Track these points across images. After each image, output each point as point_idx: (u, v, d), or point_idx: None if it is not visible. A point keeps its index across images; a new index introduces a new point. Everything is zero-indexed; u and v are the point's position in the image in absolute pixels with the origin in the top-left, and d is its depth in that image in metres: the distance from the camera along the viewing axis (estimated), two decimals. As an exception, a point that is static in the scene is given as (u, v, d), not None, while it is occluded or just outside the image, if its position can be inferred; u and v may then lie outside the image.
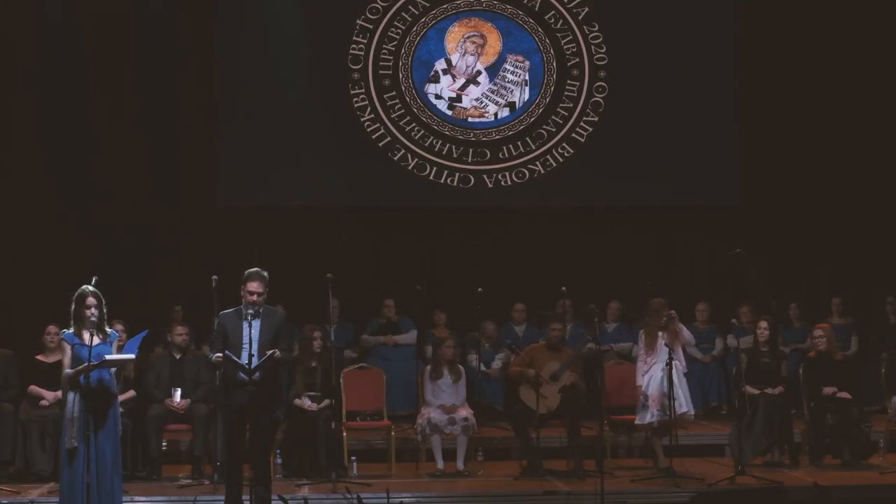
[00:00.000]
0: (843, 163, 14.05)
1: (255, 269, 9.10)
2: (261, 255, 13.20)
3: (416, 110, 14.03)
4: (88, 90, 13.58)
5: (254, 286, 9.00)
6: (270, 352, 8.92)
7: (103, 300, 8.67)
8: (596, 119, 14.13)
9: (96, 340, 8.53)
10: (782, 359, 11.52)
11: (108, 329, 8.71)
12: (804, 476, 10.32)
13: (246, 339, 8.91)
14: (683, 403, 10.44)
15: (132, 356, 8.84)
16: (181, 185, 13.76)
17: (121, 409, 10.27)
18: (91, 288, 8.68)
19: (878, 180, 14.07)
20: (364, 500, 9.02)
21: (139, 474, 10.37)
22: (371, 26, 14.01)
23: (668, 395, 10.25)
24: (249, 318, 8.95)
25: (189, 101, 13.77)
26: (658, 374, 10.48)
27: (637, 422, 10.69)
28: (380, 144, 13.97)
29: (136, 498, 9.53)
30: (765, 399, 10.91)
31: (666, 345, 10.46)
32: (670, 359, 10.30)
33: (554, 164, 14.10)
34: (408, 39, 14.06)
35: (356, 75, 13.97)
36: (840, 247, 14.05)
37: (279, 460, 10.55)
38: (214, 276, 10.04)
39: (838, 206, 14.03)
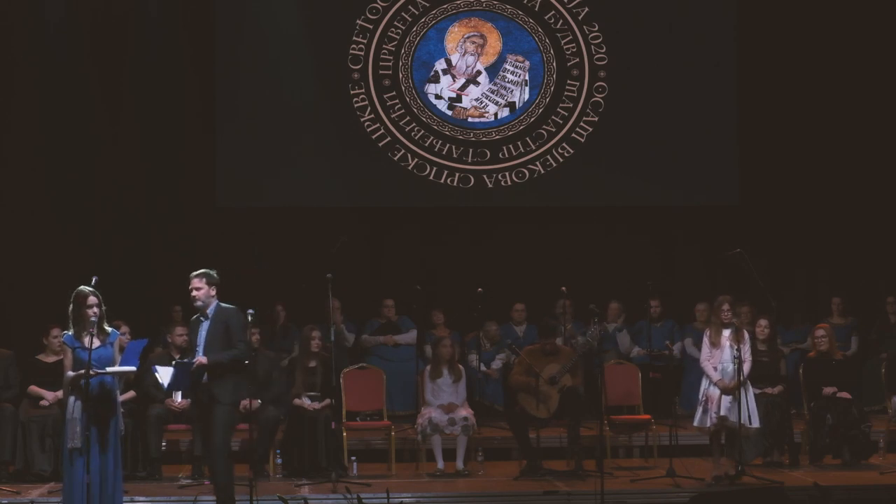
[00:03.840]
0: (843, 162, 14.04)
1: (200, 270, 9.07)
2: (261, 255, 13.26)
3: (416, 110, 14.03)
4: (88, 90, 13.56)
5: (191, 284, 9.01)
6: (190, 360, 8.96)
7: (101, 299, 8.67)
8: (596, 119, 14.13)
9: (97, 343, 8.53)
10: (781, 358, 11.51)
11: (108, 328, 8.70)
12: (804, 476, 10.32)
13: (197, 342, 9.03)
14: (745, 412, 10.19)
15: (133, 368, 8.81)
16: (181, 185, 13.76)
17: (121, 410, 10.33)
18: (90, 287, 8.68)
19: (878, 180, 14.07)
20: (364, 500, 9.03)
21: (139, 474, 10.38)
22: (371, 26, 14.01)
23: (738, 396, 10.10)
24: (201, 320, 9.01)
25: (189, 102, 13.77)
26: (716, 375, 10.30)
27: (696, 424, 10.46)
28: (380, 144, 13.97)
29: (136, 498, 9.53)
30: (765, 399, 10.91)
31: (732, 344, 10.28)
32: (739, 360, 10.17)
33: (554, 164, 14.10)
34: (408, 39, 14.05)
35: (356, 75, 13.97)
36: (840, 247, 14.05)
37: (279, 460, 10.57)
38: (215, 277, 10.05)
39: (838, 206, 14.03)
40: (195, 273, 9.03)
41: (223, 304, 9.06)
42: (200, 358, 8.94)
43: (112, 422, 8.56)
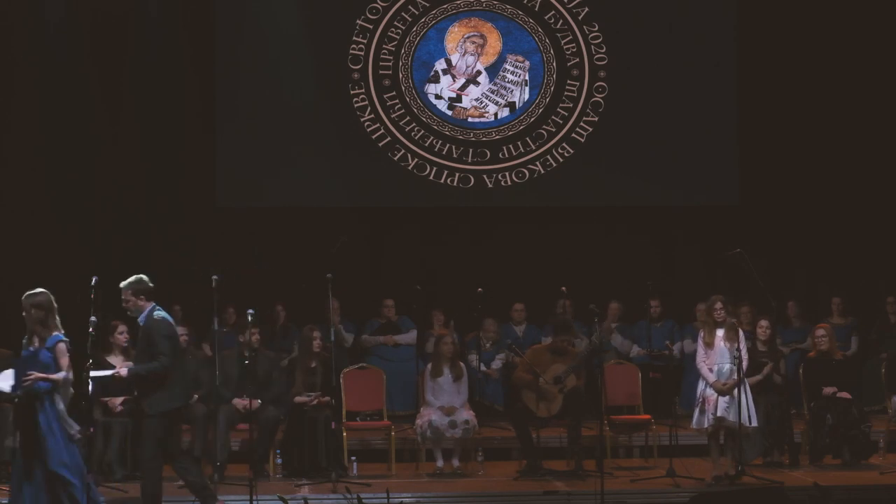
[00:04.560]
0: (843, 162, 14.04)
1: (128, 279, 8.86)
2: (261, 255, 13.26)
3: (416, 110, 14.03)
4: (88, 91, 13.56)
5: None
6: (109, 373, 9.00)
7: (43, 306, 8.46)
8: (596, 119, 14.13)
9: (35, 345, 8.48)
10: (780, 358, 11.51)
11: (54, 333, 8.49)
12: (804, 476, 10.32)
13: None
14: (744, 411, 10.14)
15: (7, 391, 8.61)
16: (181, 185, 13.76)
17: (120, 408, 10.34)
18: (27, 293, 8.55)
19: (878, 180, 14.06)
20: (364, 500, 9.03)
21: (139, 474, 10.35)
22: (371, 26, 14.01)
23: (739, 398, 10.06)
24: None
25: (189, 102, 13.77)
26: (711, 377, 10.29)
27: (693, 426, 10.43)
28: (380, 144, 13.97)
29: (137, 498, 9.52)
30: (765, 399, 10.90)
31: (726, 343, 10.25)
32: (739, 359, 10.14)
33: (554, 164, 14.10)
34: (408, 39, 14.05)
35: (356, 75, 13.97)
36: (840, 247, 14.05)
37: (279, 460, 10.57)
38: (215, 276, 10.03)
39: (838, 206, 14.03)
40: (123, 283, 8.81)
41: (155, 314, 8.79)
42: (121, 370, 8.93)
43: (43, 427, 8.30)
